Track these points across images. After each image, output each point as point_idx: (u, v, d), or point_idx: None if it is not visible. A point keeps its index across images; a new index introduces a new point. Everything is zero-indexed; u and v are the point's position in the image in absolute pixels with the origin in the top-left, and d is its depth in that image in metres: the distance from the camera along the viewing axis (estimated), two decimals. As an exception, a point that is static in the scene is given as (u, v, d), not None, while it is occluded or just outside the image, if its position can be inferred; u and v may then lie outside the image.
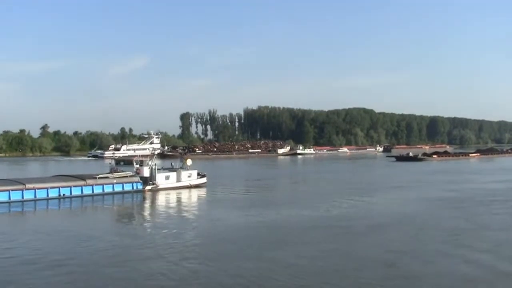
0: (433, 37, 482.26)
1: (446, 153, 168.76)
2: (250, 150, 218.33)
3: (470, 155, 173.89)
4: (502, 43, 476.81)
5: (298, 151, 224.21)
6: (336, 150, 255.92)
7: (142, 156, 69.26)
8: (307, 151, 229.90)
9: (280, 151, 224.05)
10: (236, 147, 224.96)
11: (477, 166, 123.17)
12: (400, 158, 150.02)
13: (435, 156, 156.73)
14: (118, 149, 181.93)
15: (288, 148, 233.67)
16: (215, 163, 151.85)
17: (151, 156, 69.81)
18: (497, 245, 30.61)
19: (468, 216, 42.34)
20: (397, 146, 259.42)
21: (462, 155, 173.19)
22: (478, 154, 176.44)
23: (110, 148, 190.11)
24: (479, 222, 39.84)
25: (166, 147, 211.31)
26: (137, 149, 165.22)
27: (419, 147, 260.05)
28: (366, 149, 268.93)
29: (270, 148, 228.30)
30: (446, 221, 39.75)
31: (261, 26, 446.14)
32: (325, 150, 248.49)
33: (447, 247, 30.15)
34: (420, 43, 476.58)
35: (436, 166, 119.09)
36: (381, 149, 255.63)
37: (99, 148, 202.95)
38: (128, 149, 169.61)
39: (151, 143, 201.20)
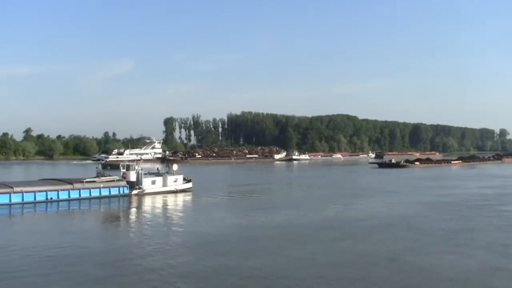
0: (416, 46, 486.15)
1: (428, 160, 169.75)
2: (247, 156, 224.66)
3: (452, 162, 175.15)
4: (486, 52, 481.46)
5: (294, 157, 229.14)
6: (330, 156, 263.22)
7: (129, 161, 69.53)
8: (303, 156, 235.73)
9: (277, 156, 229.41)
10: (234, 152, 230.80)
11: (460, 173, 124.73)
12: (382, 165, 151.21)
13: (417, 163, 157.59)
14: (121, 153, 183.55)
15: (284, 154, 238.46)
16: (213, 167, 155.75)
17: (138, 160, 69.94)
18: (491, 244, 33.21)
19: (462, 219, 44.75)
20: (389, 153, 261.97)
21: (444, 162, 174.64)
22: (460, 161, 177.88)
23: (113, 153, 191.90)
24: (472, 224, 42.16)
25: (167, 152, 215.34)
26: (140, 154, 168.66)
27: (410, 154, 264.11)
28: (359, 155, 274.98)
29: (267, 154, 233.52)
30: (442, 223, 42.14)
31: (245, 32, 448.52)
32: (319, 156, 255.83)
33: (447, 245, 32.70)
34: (403, 52, 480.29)
35: (420, 173, 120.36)
36: (373, 155, 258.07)
37: (103, 152, 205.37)
38: (131, 154, 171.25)
39: (153, 147, 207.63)
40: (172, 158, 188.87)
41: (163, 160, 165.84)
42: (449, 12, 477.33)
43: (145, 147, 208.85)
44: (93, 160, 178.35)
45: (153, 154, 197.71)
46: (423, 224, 41.29)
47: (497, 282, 24.63)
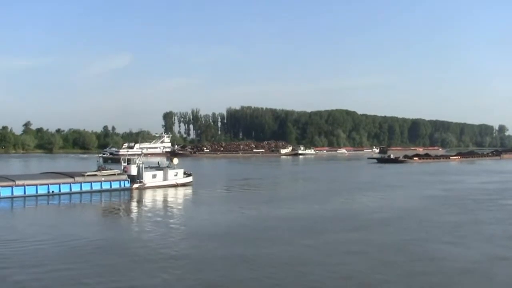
0: (416, 41, 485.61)
1: (427, 156, 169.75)
2: (254, 150, 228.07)
3: (451, 157, 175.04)
4: (485, 48, 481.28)
5: (300, 151, 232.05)
6: (335, 150, 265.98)
7: (130, 154, 69.74)
8: (308, 151, 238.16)
9: (283, 151, 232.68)
10: (241, 147, 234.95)
11: (459, 168, 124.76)
12: (381, 160, 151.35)
13: (416, 158, 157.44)
14: (131, 147, 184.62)
15: (290, 148, 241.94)
16: (219, 161, 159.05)
17: (139, 154, 70.09)
18: (496, 235, 34.84)
19: (466, 212, 46.09)
20: (393, 148, 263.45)
21: (443, 158, 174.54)
22: (459, 157, 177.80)
23: (123, 147, 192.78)
24: (477, 216, 43.49)
25: (176, 146, 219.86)
26: (149, 148, 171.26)
27: (413, 149, 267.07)
28: (363, 150, 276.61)
29: (273, 148, 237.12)
30: (448, 216, 43.47)
31: (244, 26, 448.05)
32: (324, 151, 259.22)
33: (454, 237, 34.18)
34: (403, 47, 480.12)
35: (419, 168, 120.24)
36: (377, 150, 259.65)
37: (112, 147, 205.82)
38: (141, 148, 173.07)
39: (162, 142, 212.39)
40: (181, 152, 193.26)
41: (172, 154, 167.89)
42: (449, 7, 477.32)
43: (154, 141, 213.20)
44: (103, 154, 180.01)
45: (162, 148, 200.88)
46: (430, 217, 42.61)
47: (503, 270, 26.00)
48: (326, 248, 29.68)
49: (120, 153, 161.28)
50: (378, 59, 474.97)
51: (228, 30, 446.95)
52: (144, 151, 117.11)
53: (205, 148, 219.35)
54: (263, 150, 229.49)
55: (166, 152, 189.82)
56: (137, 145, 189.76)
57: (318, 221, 39.86)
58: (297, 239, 32.04)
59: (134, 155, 69.63)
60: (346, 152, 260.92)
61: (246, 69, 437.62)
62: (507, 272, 25.79)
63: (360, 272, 24.64)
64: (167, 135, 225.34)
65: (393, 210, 46.75)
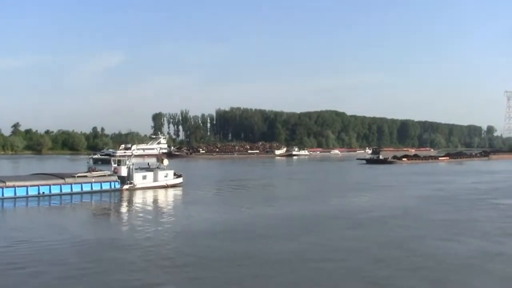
0: (404, 41, 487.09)
1: (415, 156, 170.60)
2: (249, 151, 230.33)
3: (440, 158, 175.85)
4: (475, 49, 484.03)
5: (294, 152, 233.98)
6: (329, 152, 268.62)
7: (120, 155, 69.93)
8: (302, 152, 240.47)
9: (277, 152, 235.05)
10: (237, 148, 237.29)
11: (448, 169, 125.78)
12: (370, 161, 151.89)
13: (404, 159, 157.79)
14: (128, 149, 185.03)
15: (285, 149, 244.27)
16: (214, 162, 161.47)
17: (129, 155, 70.20)
18: (489, 232, 35.86)
19: (459, 211, 47.08)
20: (385, 149, 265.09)
21: (432, 159, 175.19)
22: (447, 157, 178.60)
23: (120, 148, 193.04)
24: (470, 215, 44.62)
25: (173, 147, 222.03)
26: (146, 149, 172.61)
27: (405, 150, 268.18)
28: (356, 151, 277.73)
29: (267, 150, 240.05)
30: (441, 214, 44.66)
31: (235, 26, 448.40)
32: (318, 152, 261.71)
33: (449, 234, 35.16)
34: (392, 47, 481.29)
35: (408, 169, 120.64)
36: (370, 151, 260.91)
37: (110, 148, 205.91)
38: (138, 149, 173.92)
39: (159, 143, 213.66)
40: (177, 153, 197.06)
41: (169, 155, 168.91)
42: (442, 7, 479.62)
43: (151, 142, 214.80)
44: (102, 155, 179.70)
45: (158, 149, 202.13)
46: (425, 215, 43.73)
47: (498, 265, 26.81)
48: (327, 245, 30.38)
49: (117, 154, 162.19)
50: (367, 60, 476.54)
51: (220, 30, 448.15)
52: (140, 152, 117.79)
53: (200, 149, 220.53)
54: (257, 151, 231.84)
55: (163, 153, 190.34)
56: (134, 146, 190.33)
57: (315, 219, 40.61)
58: (296, 236, 32.88)
59: (124, 156, 69.78)
60: (339, 153, 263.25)
61: (236, 70, 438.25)
62: (502, 266, 26.54)
63: (362, 267, 25.29)
64: (164, 136, 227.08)
65: (388, 209, 47.62)
